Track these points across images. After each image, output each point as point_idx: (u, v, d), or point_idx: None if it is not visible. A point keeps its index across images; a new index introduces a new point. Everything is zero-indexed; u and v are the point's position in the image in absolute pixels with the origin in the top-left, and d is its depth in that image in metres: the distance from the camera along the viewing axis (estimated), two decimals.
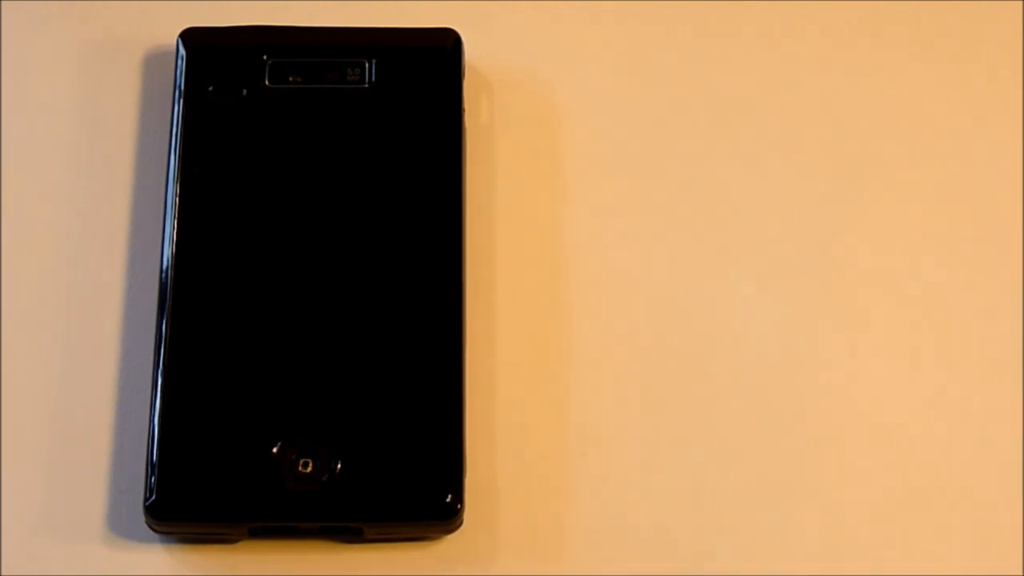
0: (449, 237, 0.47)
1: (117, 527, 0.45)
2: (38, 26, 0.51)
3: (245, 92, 0.48)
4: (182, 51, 0.49)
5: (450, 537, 0.45)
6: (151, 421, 0.44)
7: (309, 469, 0.43)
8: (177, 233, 0.47)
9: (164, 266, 0.46)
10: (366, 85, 0.49)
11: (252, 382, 0.45)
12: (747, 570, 0.45)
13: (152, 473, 0.43)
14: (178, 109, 0.48)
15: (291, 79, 0.48)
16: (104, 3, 0.52)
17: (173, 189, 0.47)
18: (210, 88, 0.48)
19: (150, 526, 0.44)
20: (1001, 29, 0.53)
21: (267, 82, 0.48)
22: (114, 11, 0.52)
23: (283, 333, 0.45)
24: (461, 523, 0.44)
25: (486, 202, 0.50)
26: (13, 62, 0.51)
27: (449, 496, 0.44)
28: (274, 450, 0.44)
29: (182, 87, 0.48)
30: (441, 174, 0.48)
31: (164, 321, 0.45)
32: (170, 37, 0.50)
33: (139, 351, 0.46)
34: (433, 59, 0.49)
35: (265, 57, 0.49)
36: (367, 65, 0.49)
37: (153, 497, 0.43)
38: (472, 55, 0.50)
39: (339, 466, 0.44)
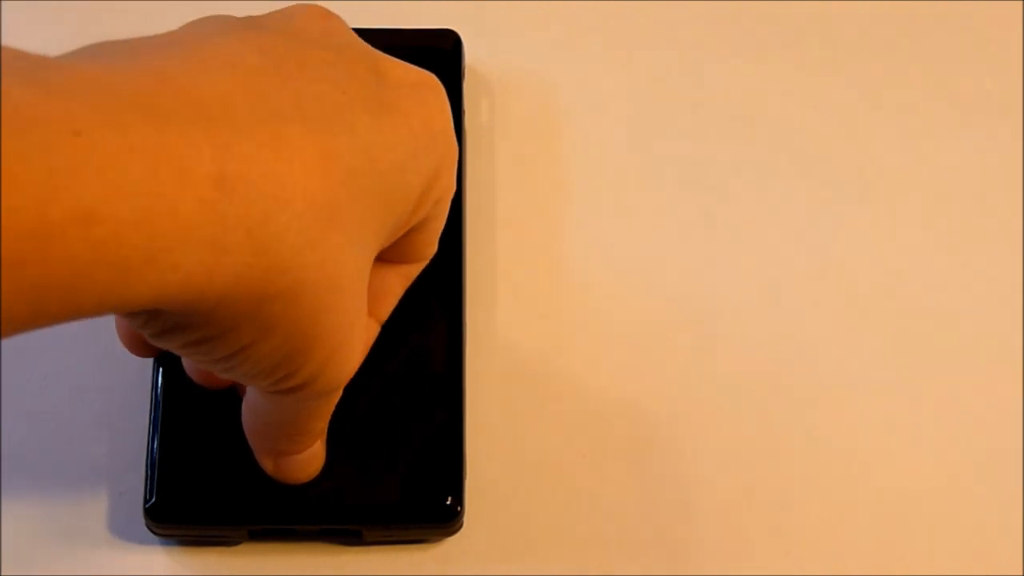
0: (449, 238, 0.47)
1: (117, 529, 0.45)
2: (38, 26, 0.51)
3: None
4: None
5: (450, 539, 0.45)
6: (151, 423, 0.44)
7: None
8: None
9: None
10: None
11: None
12: (747, 570, 0.45)
13: (152, 475, 0.44)
14: None
15: None
16: (104, 4, 0.52)
17: None
18: None
19: (150, 528, 0.44)
20: (1001, 29, 0.53)
21: None
22: (114, 12, 0.52)
23: None
24: (461, 525, 0.44)
25: (486, 203, 0.50)
26: None
27: (449, 499, 0.44)
28: None
29: None
30: None
31: None
32: None
33: None
34: (433, 60, 0.49)
35: None
36: None
37: (153, 499, 0.43)
38: (472, 56, 0.51)
39: (339, 468, 0.44)
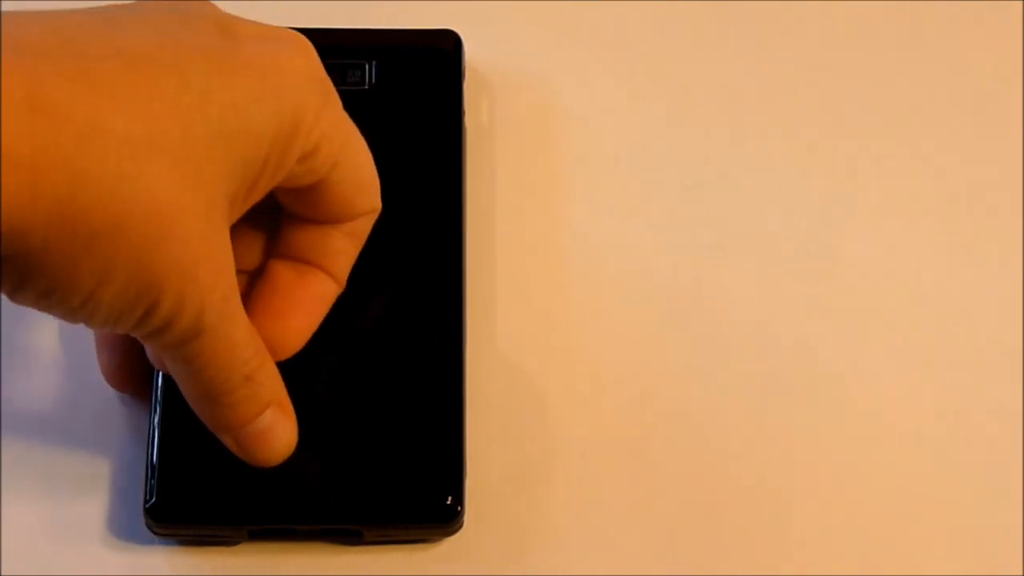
0: (449, 238, 0.47)
1: (117, 529, 0.45)
2: None
3: None
4: None
5: (450, 539, 0.45)
6: (151, 422, 0.44)
7: (309, 471, 0.43)
8: None
9: None
10: (366, 86, 0.49)
11: None
12: (747, 570, 0.45)
13: (152, 475, 0.44)
14: None
15: None
16: (104, 4, 0.52)
17: None
18: None
19: (150, 528, 0.44)
20: (1001, 29, 0.53)
21: None
22: None
23: None
24: (461, 525, 0.44)
25: (487, 203, 0.50)
26: None
27: (449, 498, 0.44)
28: None
29: None
30: (441, 175, 0.48)
31: None
32: None
33: None
34: (433, 60, 0.49)
35: None
36: (367, 67, 0.49)
37: (153, 499, 0.43)
38: (472, 55, 0.51)
39: (339, 468, 0.44)
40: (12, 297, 0.35)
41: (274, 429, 0.42)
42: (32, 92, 0.32)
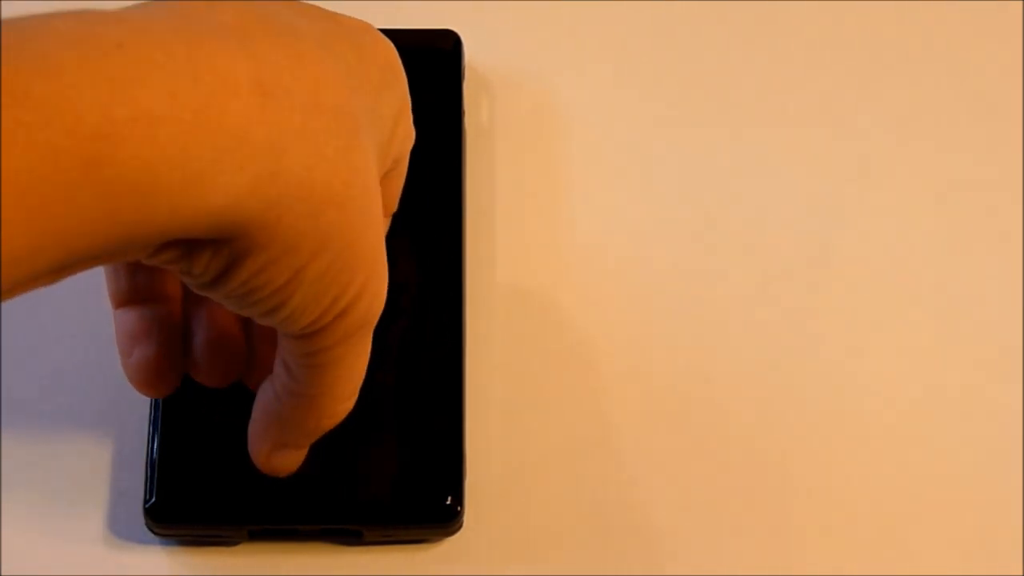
0: (449, 238, 0.47)
1: (117, 529, 0.45)
2: None
3: None
4: None
5: (450, 539, 0.45)
6: (151, 422, 0.44)
7: (309, 471, 0.43)
8: None
9: None
10: None
11: None
12: (747, 570, 0.45)
13: (152, 475, 0.44)
14: None
15: None
16: (103, 4, 0.52)
17: None
18: None
19: (150, 528, 0.44)
20: (1001, 29, 0.53)
21: None
22: None
23: None
24: (461, 525, 0.44)
25: (487, 203, 0.50)
26: None
27: (449, 498, 0.44)
28: None
29: None
30: (441, 175, 0.48)
31: None
32: None
33: None
34: (433, 60, 0.49)
35: None
36: None
37: (153, 499, 0.43)
38: (472, 55, 0.51)
39: (339, 468, 0.44)
40: (213, 284, 0.35)
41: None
42: (258, 75, 0.32)
